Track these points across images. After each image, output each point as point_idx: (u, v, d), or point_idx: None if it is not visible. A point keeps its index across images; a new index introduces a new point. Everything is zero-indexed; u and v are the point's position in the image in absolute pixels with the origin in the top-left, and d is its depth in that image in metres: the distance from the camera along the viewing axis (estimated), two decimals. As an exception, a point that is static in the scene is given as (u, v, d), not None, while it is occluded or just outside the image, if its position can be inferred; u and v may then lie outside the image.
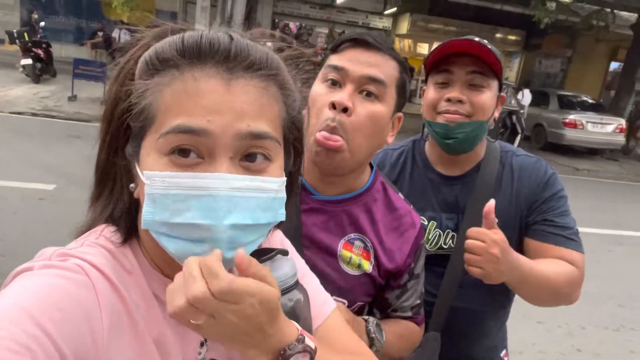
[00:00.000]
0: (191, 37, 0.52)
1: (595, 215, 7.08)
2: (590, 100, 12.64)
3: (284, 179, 0.58)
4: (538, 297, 1.19)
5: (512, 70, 18.24)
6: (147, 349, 0.56)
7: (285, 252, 0.65)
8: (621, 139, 11.74)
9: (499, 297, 1.33)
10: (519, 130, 9.74)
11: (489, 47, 1.19)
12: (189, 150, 0.51)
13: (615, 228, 6.47)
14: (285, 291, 0.62)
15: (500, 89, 1.25)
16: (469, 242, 1.05)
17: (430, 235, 1.29)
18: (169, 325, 0.59)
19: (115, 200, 0.59)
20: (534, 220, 1.24)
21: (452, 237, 1.28)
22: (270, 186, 0.54)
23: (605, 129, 11.55)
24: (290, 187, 0.63)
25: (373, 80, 0.93)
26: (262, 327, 0.51)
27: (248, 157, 0.53)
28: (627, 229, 6.53)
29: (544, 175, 1.26)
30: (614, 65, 16.99)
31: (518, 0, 13.23)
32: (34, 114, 8.29)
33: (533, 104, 12.47)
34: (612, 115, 11.90)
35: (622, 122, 11.66)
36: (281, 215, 0.57)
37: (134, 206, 0.56)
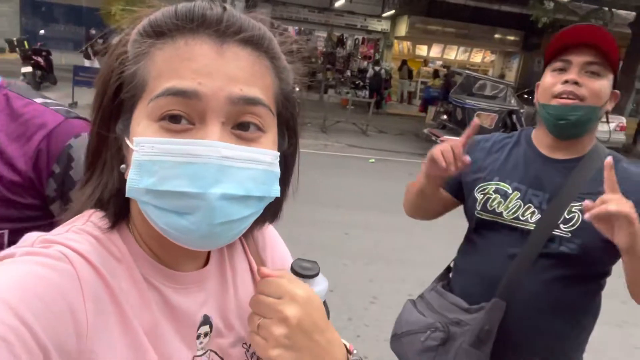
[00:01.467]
0: (184, 6, 0.53)
1: (596, 214, 7.07)
2: (590, 99, 12.63)
3: (278, 153, 0.56)
4: None
5: (511, 71, 18.25)
6: (137, 340, 0.53)
7: (317, 264, 0.65)
8: (622, 137, 11.73)
9: (568, 293, 1.31)
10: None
11: (609, 35, 1.23)
12: (180, 117, 0.50)
13: (617, 226, 6.45)
14: None
15: (615, 85, 1.29)
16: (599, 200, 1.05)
17: (511, 204, 1.33)
18: (163, 314, 0.58)
19: (105, 183, 0.57)
20: None
21: (532, 212, 1.31)
22: (263, 157, 0.53)
23: (606, 127, 11.51)
24: (284, 172, 0.61)
25: None
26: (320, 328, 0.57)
27: (240, 126, 0.52)
28: (629, 226, 6.51)
29: None
30: (613, 64, 17.00)
31: (516, 0, 13.25)
32: (35, 122, 8.32)
33: (533, 103, 12.43)
34: (612, 114, 11.87)
35: (623, 120, 11.66)
36: (275, 191, 0.55)
37: (124, 189, 0.54)
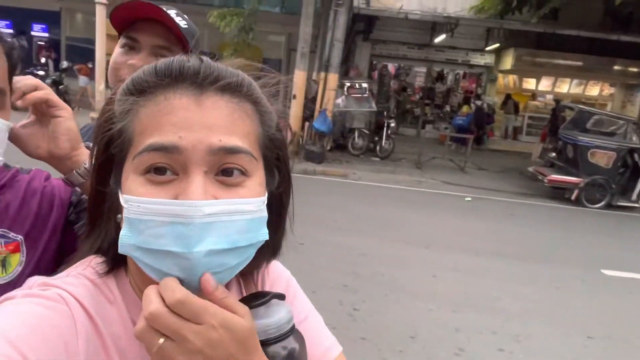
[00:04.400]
0: (163, 63, 0.55)
1: None
2: None
3: (264, 197, 0.57)
4: None
5: (633, 105, 16.51)
6: None
7: (281, 296, 0.62)
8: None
9: None
10: (642, 170, 8.67)
11: (177, 19, 1.13)
12: (165, 168, 0.52)
13: None
14: (280, 338, 0.58)
15: None
16: None
17: None
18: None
19: (105, 233, 0.60)
20: None
21: None
22: (246, 207, 0.53)
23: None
24: (279, 209, 0.63)
25: None
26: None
27: (224, 172, 0.53)
28: None
29: None
30: None
31: (637, 29, 12.08)
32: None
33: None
34: None
35: None
36: (263, 235, 0.56)
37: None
